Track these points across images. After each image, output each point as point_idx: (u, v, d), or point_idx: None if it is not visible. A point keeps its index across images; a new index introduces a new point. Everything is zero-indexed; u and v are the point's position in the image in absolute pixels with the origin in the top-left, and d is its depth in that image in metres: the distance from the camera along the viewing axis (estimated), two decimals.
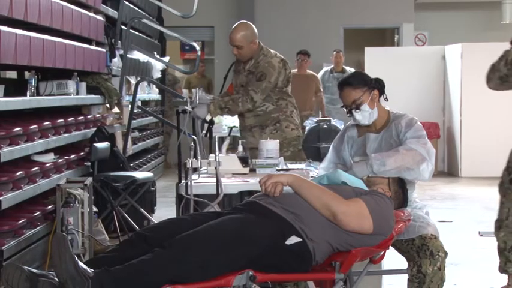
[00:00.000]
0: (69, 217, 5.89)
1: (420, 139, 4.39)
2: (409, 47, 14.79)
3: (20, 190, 5.56)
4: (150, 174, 7.68)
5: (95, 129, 7.44)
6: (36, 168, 5.94)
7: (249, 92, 6.14)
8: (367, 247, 3.81)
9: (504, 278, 5.63)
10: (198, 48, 9.26)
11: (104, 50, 8.05)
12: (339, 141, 4.74)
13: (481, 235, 7.71)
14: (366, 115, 4.51)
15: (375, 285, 5.11)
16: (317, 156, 6.24)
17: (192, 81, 14.90)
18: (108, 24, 8.35)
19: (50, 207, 6.16)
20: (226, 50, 14.91)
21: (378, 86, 4.54)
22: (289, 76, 6.32)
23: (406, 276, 4.36)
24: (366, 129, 4.61)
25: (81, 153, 7.20)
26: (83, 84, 7.42)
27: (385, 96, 4.59)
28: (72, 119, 6.93)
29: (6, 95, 5.82)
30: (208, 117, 6.19)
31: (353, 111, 4.51)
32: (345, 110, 4.56)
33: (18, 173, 5.57)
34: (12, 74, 7.80)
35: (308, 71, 12.04)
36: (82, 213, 6.00)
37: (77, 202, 5.99)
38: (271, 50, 6.37)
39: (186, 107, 5.44)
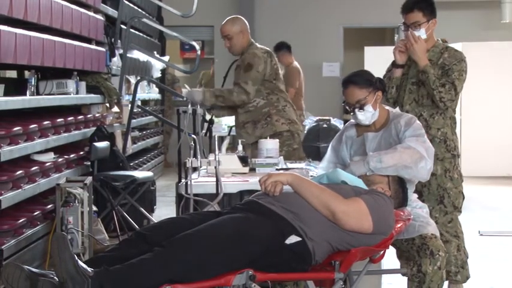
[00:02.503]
0: (69, 216, 5.89)
1: (419, 137, 4.39)
2: None
3: (20, 189, 5.56)
4: (149, 174, 7.68)
5: (94, 128, 7.44)
6: (36, 167, 5.94)
7: (240, 84, 6.22)
8: (366, 246, 3.81)
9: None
10: (197, 47, 9.26)
11: (103, 49, 8.04)
12: (337, 141, 4.74)
13: (481, 234, 7.71)
14: (368, 116, 4.51)
15: (375, 285, 5.11)
16: (317, 155, 6.23)
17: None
18: (108, 24, 8.35)
19: (49, 206, 6.16)
20: (226, 49, 14.92)
21: (381, 86, 4.54)
22: (276, 68, 6.35)
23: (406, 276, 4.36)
24: (365, 129, 4.60)
25: (81, 153, 7.20)
26: (83, 84, 7.41)
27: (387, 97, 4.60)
28: (72, 118, 6.93)
29: (6, 94, 5.83)
30: (208, 116, 6.22)
31: (356, 110, 4.50)
32: (348, 108, 4.56)
33: (18, 173, 5.57)
34: (12, 74, 7.80)
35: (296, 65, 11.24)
36: (82, 212, 6.00)
37: (76, 201, 5.99)
38: (259, 45, 6.43)
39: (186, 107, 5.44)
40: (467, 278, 5.23)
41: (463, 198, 5.25)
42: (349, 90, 4.50)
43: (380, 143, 4.51)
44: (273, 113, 6.29)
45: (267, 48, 6.42)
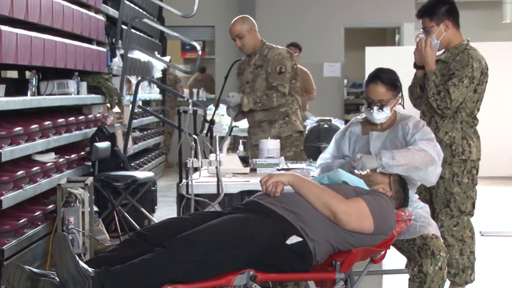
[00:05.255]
0: (69, 217, 5.89)
1: (430, 141, 4.38)
2: (410, 47, 14.71)
3: (21, 190, 5.56)
4: (150, 174, 7.68)
5: (95, 128, 7.44)
6: (37, 167, 5.94)
7: (278, 87, 6.23)
8: (367, 247, 3.81)
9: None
10: (198, 47, 9.27)
11: (104, 49, 8.05)
12: (341, 135, 4.73)
13: (482, 235, 7.71)
14: (383, 116, 4.50)
15: (376, 285, 5.11)
16: (317, 155, 6.23)
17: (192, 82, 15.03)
18: (108, 24, 8.35)
19: (50, 206, 6.17)
20: (227, 49, 14.95)
21: (401, 91, 4.55)
22: (296, 69, 6.38)
23: (406, 276, 4.36)
24: (370, 127, 4.60)
25: (82, 153, 7.20)
26: (84, 84, 7.42)
27: (401, 102, 4.59)
28: (72, 118, 6.93)
29: (7, 94, 5.83)
30: (233, 120, 6.31)
31: (375, 108, 4.48)
32: (366, 102, 4.52)
33: (19, 173, 5.57)
34: (13, 74, 7.81)
35: (299, 66, 11.49)
36: (83, 212, 6.00)
37: (77, 202, 5.99)
38: (274, 45, 6.45)
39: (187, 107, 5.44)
40: (467, 282, 5.20)
41: (473, 202, 5.22)
42: (376, 87, 4.47)
43: (385, 143, 4.51)
44: (290, 113, 6.32)
45: (287, 49, 6.45)
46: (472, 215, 5.22)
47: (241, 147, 6.02)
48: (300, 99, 6.51)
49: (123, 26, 8.79)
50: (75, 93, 7.06)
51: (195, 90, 15.11)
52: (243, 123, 7.07)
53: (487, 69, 5.17)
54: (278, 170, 5.36)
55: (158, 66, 10.56)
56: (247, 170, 5.47)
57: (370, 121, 4.59)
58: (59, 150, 6.62)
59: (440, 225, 5.12)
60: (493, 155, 12.50)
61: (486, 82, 5.18)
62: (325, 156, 4.76)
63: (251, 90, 6.32)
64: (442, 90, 5.06)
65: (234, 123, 6.61)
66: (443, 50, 5.32)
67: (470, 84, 5.07)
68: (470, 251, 5.18)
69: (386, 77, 4.48)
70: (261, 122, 6.35)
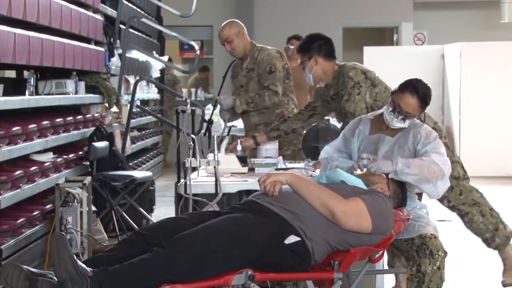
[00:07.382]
0: (68, 216, 5.89)
1: (441, 155, 4.38)
2: (408, 47, 14.78)
3: (19, 189, 5.56)
4: (149, 174, 7.67)
5: (93, 128, 7.44)
6: (35, 167, 5.94)
7: (270, 87, 6.23)
8: (366, 246, 3.81)
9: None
10: (196, 47, 9.26)
11: (102, 49, 8.04)
12: (350, 132, 4.69)
13: None
14: (401, 125, 4.48)
15: (373, 285, 5.11)
16: (315, 155, 6.22)
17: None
18: (107, 24, 8.35)
19: (48, 206, 6.16)
20: (225, 49, 14.92)
21: None
22: (288, 68, 6.37)
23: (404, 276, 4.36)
24: (379, 129, 4.57)
25: (80, 153, 7.20)
26: (82, 84, 7.41)
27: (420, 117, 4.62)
28: (71, 118, 6.93)
29: (5, 94, 5.82)
30: (229, 121, 6.31)
31: (399, 116, 4.46)
32: (392, 104, 4.46)
33: (17, 173, 5.57)
34: (11, 74, 7.80)
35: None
36: (81, 212, 6.00)
37: (75, 201, 5.98)
38: (264, 46, 6.45)
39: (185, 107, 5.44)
40: (508, 237, 5.25)
41: (461, 165, 5.28)
42: (412, 100, 4.41)
43: (393, 148, 4.49)
44: (286, 114, 6.32)
45: (277, 48, 6.47)
46: (468, 179, 5.30)
47: (239, 147, 6.01)
48: (295, 98, 6.50)
49: (121, 26, 8.79)
50: (73, 92, 7.06)
51: (193, 90, 15.11)
52: (241, 123, 7.06)
53: (368, 71, 5.34)
54: (276, 169, 5.36)
55: (156, 66, 10.55)
56: (245, 169, 5.47)
57: (383, 121, 4.56)
58: (57, 150, 6.62)
59: (447, 201, 5.17)
60: (493, 155, 12.53)
61: (378, 84, 5.31)
62: (329, 149, 4.76)
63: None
64: (343, 112, 5.30)
65: (230, 124, 6.60)
66: (325, 83, 5.57)
67: (361, 91, 5.20)
68: (489, 208, 5.27)
69: (423, 94, 4.43)
70: (257, 125, 6.35)
